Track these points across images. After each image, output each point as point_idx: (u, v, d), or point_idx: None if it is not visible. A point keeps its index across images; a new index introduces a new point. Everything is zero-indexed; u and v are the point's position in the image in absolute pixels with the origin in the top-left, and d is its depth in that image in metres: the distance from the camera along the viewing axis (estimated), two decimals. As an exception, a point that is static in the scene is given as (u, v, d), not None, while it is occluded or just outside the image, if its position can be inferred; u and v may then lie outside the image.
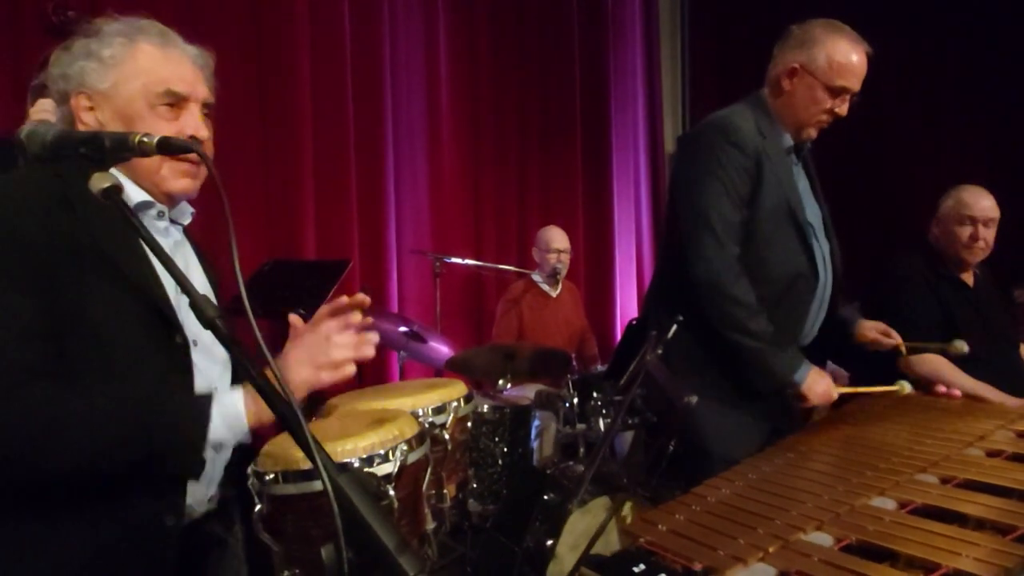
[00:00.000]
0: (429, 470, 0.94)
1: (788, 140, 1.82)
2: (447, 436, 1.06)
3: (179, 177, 1.14)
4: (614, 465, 2.84)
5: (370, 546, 0.57)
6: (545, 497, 2.27)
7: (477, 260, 3.73)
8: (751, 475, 1.35)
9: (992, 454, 1.45)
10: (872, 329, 1.98)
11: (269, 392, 0.73)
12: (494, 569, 2.03)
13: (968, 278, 2.54)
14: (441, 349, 3.06)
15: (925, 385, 2.14)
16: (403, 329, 2.91)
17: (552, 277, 3.57)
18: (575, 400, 2.72)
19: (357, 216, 3.64)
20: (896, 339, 2.00)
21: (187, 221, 1.23)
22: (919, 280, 2.48)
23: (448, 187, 3.97)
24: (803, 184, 1.88)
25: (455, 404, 1.09)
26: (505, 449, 2.89)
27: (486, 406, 2.92)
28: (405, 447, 0.85)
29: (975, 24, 4.19)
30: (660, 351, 1.53)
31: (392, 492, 0.82)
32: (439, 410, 1.06)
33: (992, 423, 1.65)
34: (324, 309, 1.10)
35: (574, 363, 3.18)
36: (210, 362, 1.14)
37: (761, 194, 1.72)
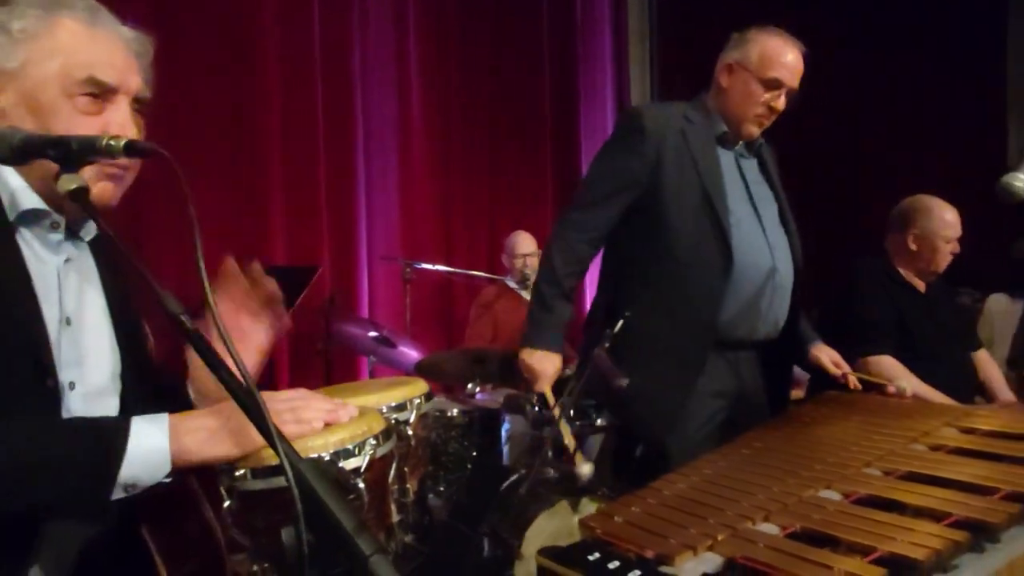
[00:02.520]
0: (395, 465, 0.98)
1: (720, 127, 1.88)
2: (409, 432, 1.10)
3: (98, 180, 0.95)
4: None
5: (329, 528, 0.60)
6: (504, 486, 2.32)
7: (448, 265, 3.76)
8: (706, 470, 1.40)
9: (935, 448, 1.52)
10: (826, 356, 2.02)
11: (231, 381, 0.75)
12: (452, 557, 2.06)
13: (920, 285, 2.64)
14: (411, 354, 3.08)
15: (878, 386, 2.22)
16: (372, 334, 2.93)
17: (522, 282, 3.62)
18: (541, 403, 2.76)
19: (327, 222, 3.66)
20: (844, 369, 2.03)
21: (89, 237, 1.03)
22: (876, 285, 2.57)
23: (419, 192, 4.01)
24: (755, 178, 1.93)
25: (417, 401, 1.12)
26: (475, 452, 2.93)
27: (455, 410, 2.95)
28: (374, 442, 0.88)
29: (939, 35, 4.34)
30: (608, 344, 1.60)
31: (362, 486, 0.85)
32: (401, 407, 1.09)
33: (938, 420, 1.72)
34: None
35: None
36: (95, 406, 0.97)
37: (666, 178, 1.79)
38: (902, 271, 2.61)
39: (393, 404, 1.09)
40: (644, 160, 1.80)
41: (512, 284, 3.66)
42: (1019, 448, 1.49)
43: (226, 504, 0.80)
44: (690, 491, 1.29)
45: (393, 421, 1.05)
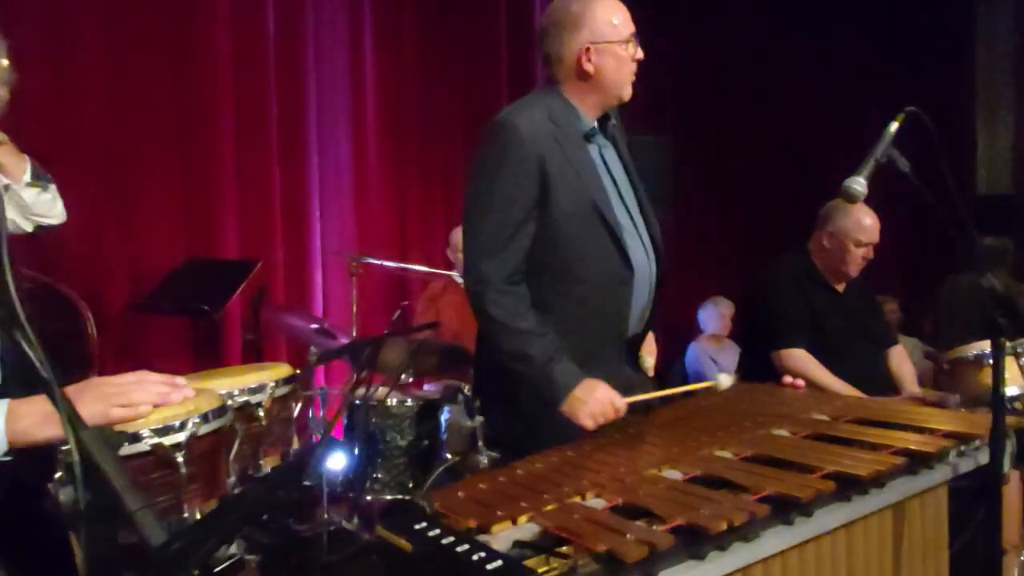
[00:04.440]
0: (238, 441, 1.07)
1: (587, 124, 1.76)
2: (262, 413, 1.19)
3: None
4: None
5: (104, 486, 0.70)
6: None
7: (403, 260, 3.85)
8: (570, 452, 1.50)
9: (795, 433, 1.62)
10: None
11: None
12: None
13: (839, 285, 2.74)
14: (352, 346, 3.17)
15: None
16: (313, 326, 3.02)
17: (468, 277, 3.69)
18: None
19: (280, 216, 3.73)
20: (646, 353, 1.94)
21: None
22: (791, 283, 2.67)
23: (373, 187, 4.09)
24: (616, 167, 1.83)
25: (272, 384, 1.21)
26: (410, 441, 3.03)
27: (393, 400, 3.05)
28: (198, 420, 0.97)
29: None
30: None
31: (180, 459, 0.94)
32: (255, 390, 1.19)
33: (819, 410, 1.83)
34: None
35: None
36: None
37: (553, 193, 1.65)
38: (820, 268, 2.71)
39: (248, 387, 1.18)
40: (531, 175, 1.65)
41: (459, 279, 3.74)
42: (870, 433, 1.60)
43: (57, 475, 0.89)
44: (544, 470, 1.38)
45: (243, 403, 1.14)
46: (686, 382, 4.97)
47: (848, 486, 1.32)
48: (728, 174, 5.16)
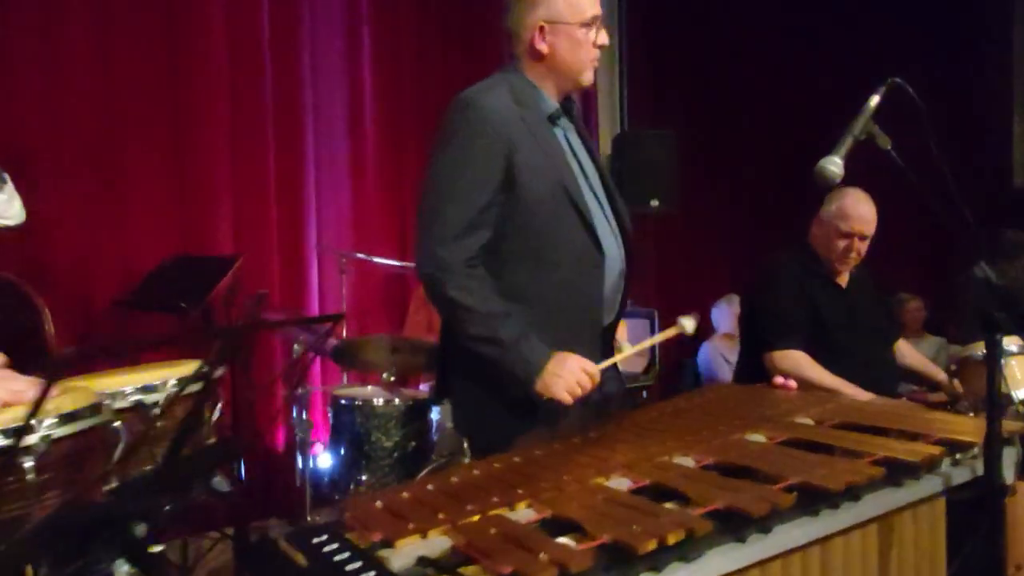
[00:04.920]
0: (122, 445, 0.98)
1: (551, 105, 1.70)
2: (156, 412, 1.10)
3: None
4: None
5: None
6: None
7: (402, 259, 3.76)
8: (516, 458, 1.39)
9: (771, 438, 1.48)
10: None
11: None
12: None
13: (842, 279, 2.57)
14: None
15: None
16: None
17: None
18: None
19: (275, 213, 3.67)
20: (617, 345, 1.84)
21: None
22: (790, 278, 2.51)
23: (370, 183, 4.01)
24: (581, 151, 1.75)
25: (172, 383, 1.12)
26: (396, 441, 2.94)
27: (379, 400, 2.96)
28: (55, 421, 0.89)
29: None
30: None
31: (29, 464, 0.85)
32: (151, 388, 1.10)
33: (806, 412, 1.69)
34: None
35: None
36: None
37: (521, 178, 1.59)
38: (820, 260, 2.54)
39: (143, 385, 1.10)
40: (496, 158, 1.58)
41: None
42: (853, 439, 1.45)
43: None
44: (480, 478, 1.27)
45: (135, 402, 1.06)
46: (699, 382, 4.85)
47: (815, 499, 1.19)
48: (736, 168, 4.99)
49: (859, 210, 2.42)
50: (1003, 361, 2.03)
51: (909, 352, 2.63)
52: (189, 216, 3.45)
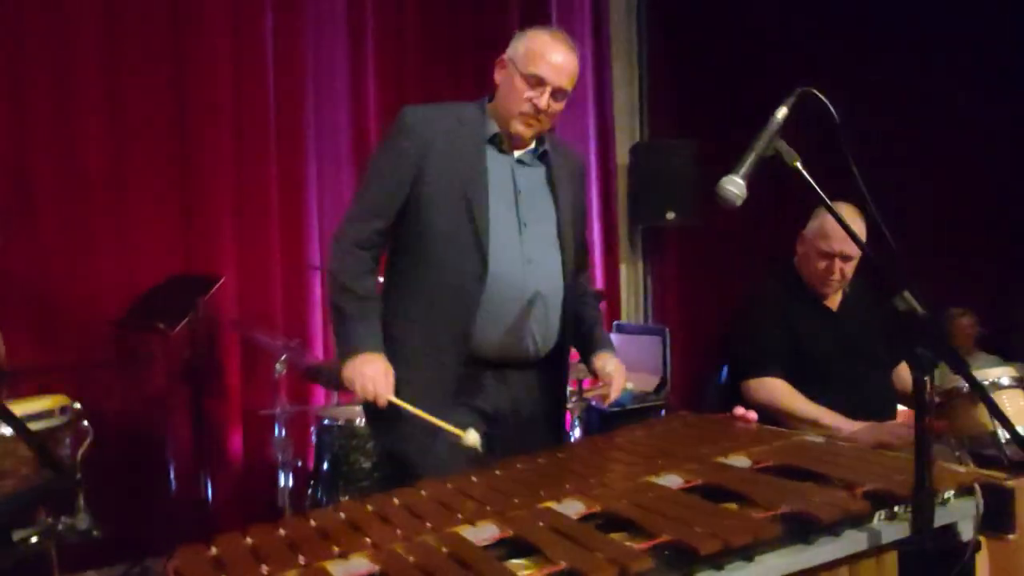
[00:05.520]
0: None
1: (492, 129, 1.78)
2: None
3: None
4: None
5: None
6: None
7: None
8: (449, 485, 1.35)
9: (689, 483, 1.37)
10: (600, 364, 1.85)
11: None
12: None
13: (832, 301, 2.38)
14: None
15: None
16: (279, 343, 2.95)
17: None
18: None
19: (278, 233, 3.69)
20: (606, 382, 1.80)
21: None
22: (770, 302, 2.34)
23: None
24: (530, 184, 1.80)
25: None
26: (375, 463, 2.89)
27: (360, 420, 2.93)
28: None
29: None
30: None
31: None
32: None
33: (746, 450, 1.56)
34: None
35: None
36: None
37: (427, 177, 1.71)
38: (805, 281, 2.36)
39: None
40: (408, 161, 1.73)
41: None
42: (771, 488, 1.32)
43: None
44: (331, 524, 1.20)
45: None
46: (723, 397, 4.64)
47: (685, 561, 1.07)
48: (758, 179, 4.74)
49: (837, 226, 2.23)
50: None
51: (907, 376, 2.38)
52: (192, 236, 3.50)
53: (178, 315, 2.67)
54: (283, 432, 2.87)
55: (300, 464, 3.01)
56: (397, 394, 1.66)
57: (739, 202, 1.26)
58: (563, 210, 1.82)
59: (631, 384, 3.56)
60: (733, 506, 1.28)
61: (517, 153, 1.80)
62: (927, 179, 4.52)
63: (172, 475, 2.96)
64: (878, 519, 1.30)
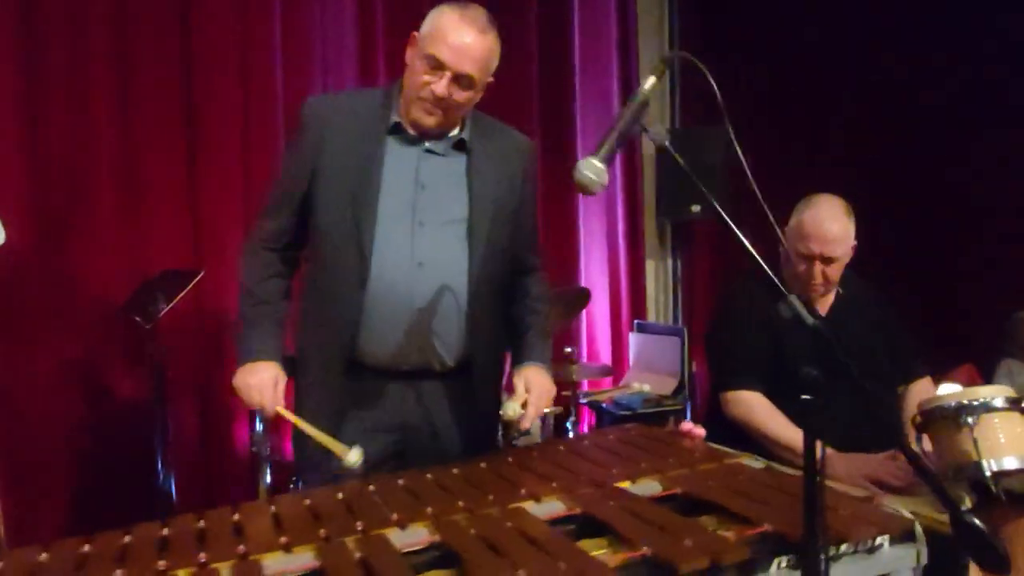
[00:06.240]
0: None
1: (394, 118, 1.60)
2: None
3: None
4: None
5: None
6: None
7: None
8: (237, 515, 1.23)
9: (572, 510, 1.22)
10: (522, 381, 1.59)
11: None
12: None
13: (821, 305, 2.11)
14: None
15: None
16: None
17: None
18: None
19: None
20: (525, 399, 1.56)
21: None
22: (749, 307, 2.06)
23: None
24: (435, 175, 1.60)
25: None
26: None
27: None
28: None
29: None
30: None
31: None
32: None
33: (662, 474, 1.40)
34: None
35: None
36: None
37: (322, 175, 1.58)
38: (789, 284, 2.10)
39: None
40: (305, 156, 1.60)
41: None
42: (655, 523, 1.15)
43: None
44: (185, 531, 1.12)
45: None
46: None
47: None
48: (789, 167, 4.39)
49: (821, 228, 1.95)
50: (974, 419, 1.59)
51: (917, 396, 2.08)
52: (201, 231, 3.51)
53: (155, 310, 2.67)
54: (262, 427, 2.85)
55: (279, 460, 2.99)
56: (297, 404, 1.57)
57: (598, 189, 1.09)
58: (482, 205, 1.61)
59: (647, 386, 3.37)
60: (603, 541, 1.13)
61: (428, 143, 1.61)
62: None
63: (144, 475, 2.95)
64: (777, 567, 1.12)
